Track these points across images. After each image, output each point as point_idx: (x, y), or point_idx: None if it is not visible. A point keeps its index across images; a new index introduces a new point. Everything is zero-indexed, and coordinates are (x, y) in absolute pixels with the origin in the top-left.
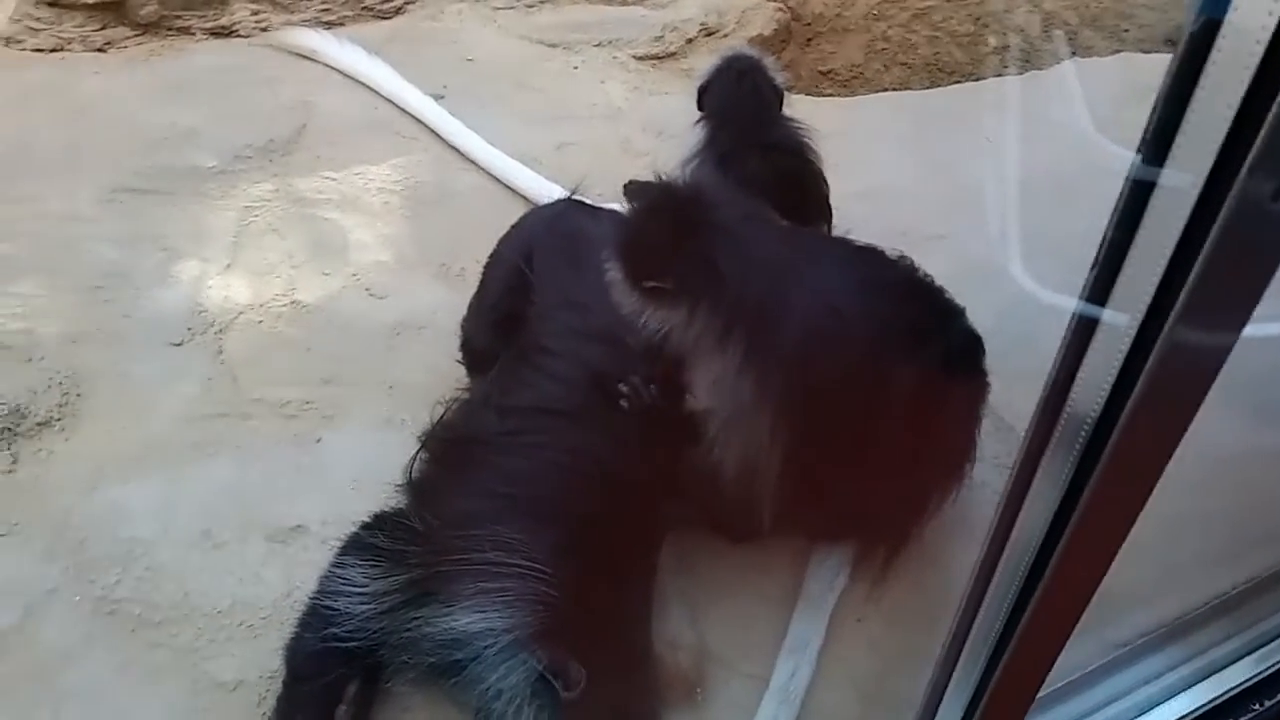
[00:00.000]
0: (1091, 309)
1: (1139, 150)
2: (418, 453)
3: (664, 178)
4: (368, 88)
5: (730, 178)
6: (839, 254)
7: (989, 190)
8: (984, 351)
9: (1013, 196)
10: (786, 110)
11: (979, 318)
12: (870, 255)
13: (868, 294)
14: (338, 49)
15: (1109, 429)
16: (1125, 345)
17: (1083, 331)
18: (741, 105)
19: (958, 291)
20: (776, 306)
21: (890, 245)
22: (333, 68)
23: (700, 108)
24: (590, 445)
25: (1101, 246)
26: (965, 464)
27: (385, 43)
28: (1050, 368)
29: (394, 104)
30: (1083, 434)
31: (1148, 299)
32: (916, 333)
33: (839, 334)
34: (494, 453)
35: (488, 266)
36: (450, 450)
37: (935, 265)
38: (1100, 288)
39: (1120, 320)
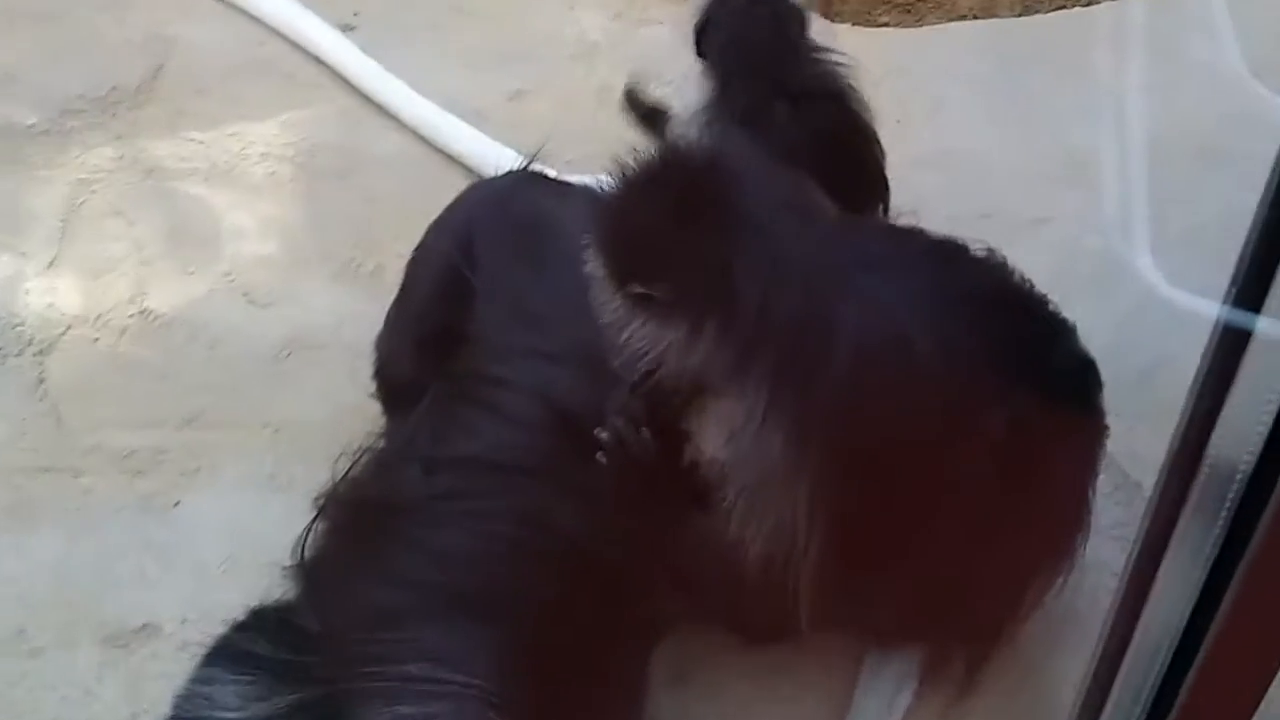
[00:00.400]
0: (1240, 316)
1: None
2: (313, 522)
3: (668, 141)
4: (248, 15)
5: (755, 140)
6: (905, 253)
7: (1106, 156)
8: (1100, 384)
9: (1139, 164)
10: (817, 42)
11: (1094, 334)
12: (948, 253)
13: (943, 309)
14: None
15: (1269, 483)
16: None
17: (1229, 348)
18: (756, 40)
19: (1065, 297)
20: (816, 329)
21: (973, 235)
22: None
23: (700, 52)
24: (554, 513)
25: (1253, 230)
26: (1075, 538)
27: None
28: (1185, 399)
29: (285, 38)
30: (1233, 491)
31: None
32: (1009, 362)
33: (903, 367)
34: (419, 523)
35: (413, 263)
36: (358, 519)
37: (1033, 260)
38: (1252, 285)
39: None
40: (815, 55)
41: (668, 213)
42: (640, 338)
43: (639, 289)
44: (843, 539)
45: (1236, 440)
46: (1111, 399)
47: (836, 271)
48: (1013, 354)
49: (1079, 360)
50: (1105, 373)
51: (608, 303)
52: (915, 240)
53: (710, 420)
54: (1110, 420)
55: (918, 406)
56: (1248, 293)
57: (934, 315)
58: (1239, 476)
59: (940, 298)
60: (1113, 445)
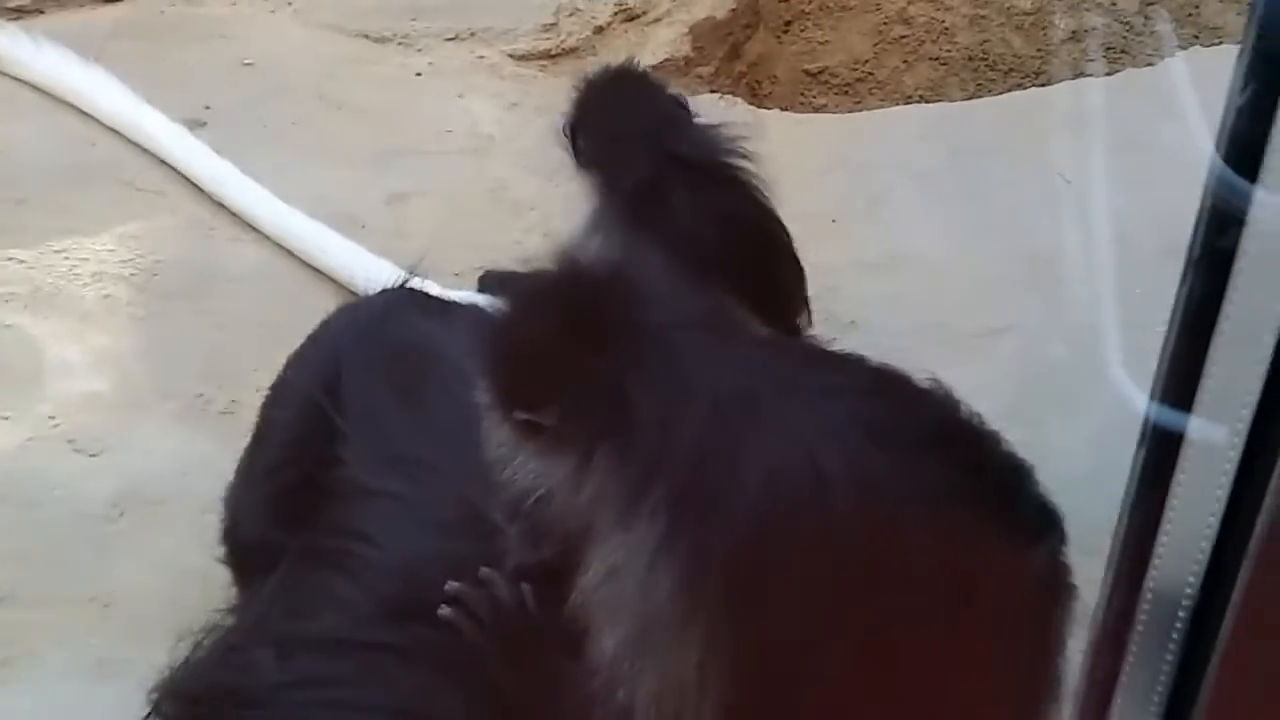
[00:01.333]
0: (1169, 416)
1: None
2: (147, 719)
3: (563, 251)
4: (80, 112)
5: (656, 240)
6: (831, 381)
7: (1069, 256)
8: (1063, 536)
9: (1106, 264)
10: (745, 143)
11: (1064, 459)
12: (883, 382)
13: (872, 446)
14: (30, 51)
15: (1217, 611)
16: (1228, 472)
17: (1158, 453)
18: (634, 125)
19: (1028, 416)
20: (722, 460)
21: (922, 348)
22: (24, 80)
23: (578, 156)
24: (435, 704)
25: (1178, 310)
26: (1038, 713)
27: (109, 40)
28: (1117, 521)
29: (122, 136)
30: (1178, 625)
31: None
32: (950, 510)
33: (822, 511)
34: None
35: (269, 404)
36: (201, 716)
37: (992, 375)
38: (1178, 381)
39: (1216, 434)
40: (700, 128)
41: (560, 331)
42: (526, 472)
43: (525, 415)
44: (742, 708)
45: (1174, 563)
46: (1086, 537)
47: (749, 397)
48: (954, 500)
49: (1035, 508)
50: (1078, 504)
51: (494, 433)
52: (845, 366)
53: (594, 560)
54: (1085, 562)
55: (838, 557)
56: (1172, 389)
57: (861, 453)
58: (1184, 606)
59: (869, 433)
60: (1089, 594)
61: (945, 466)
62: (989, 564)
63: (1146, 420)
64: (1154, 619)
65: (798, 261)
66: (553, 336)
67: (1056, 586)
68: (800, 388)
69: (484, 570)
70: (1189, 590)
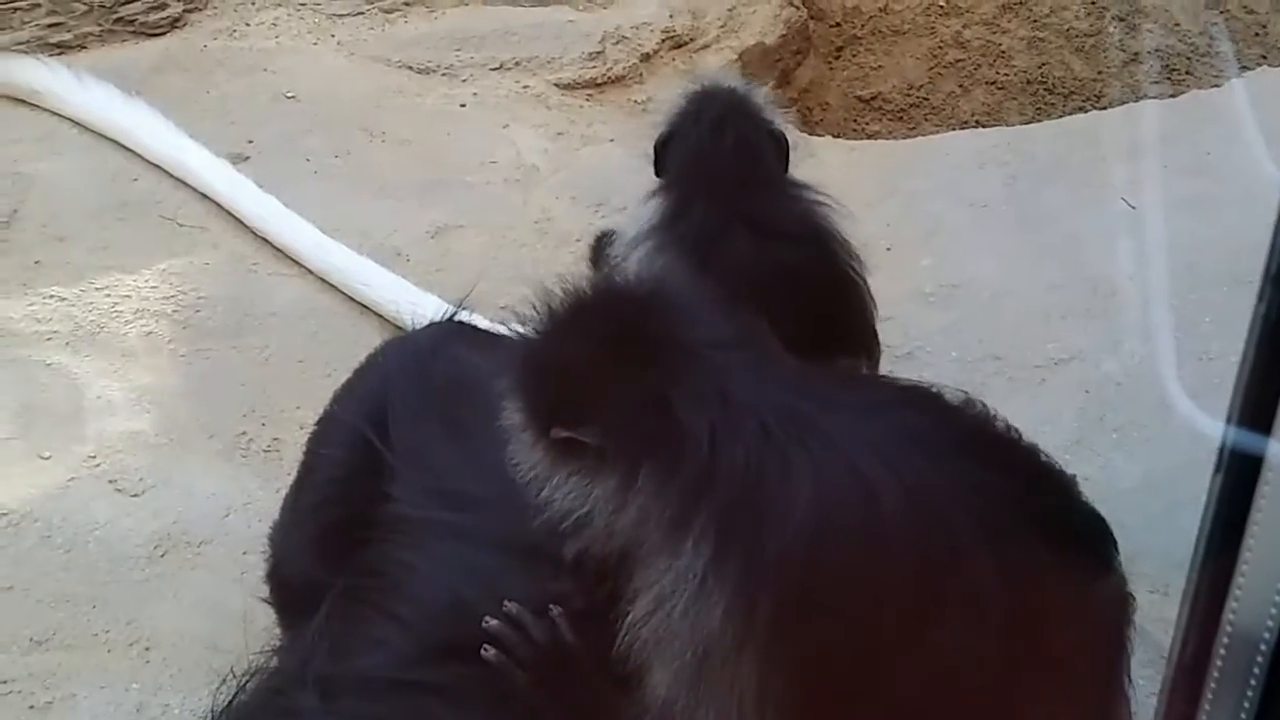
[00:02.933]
0: (1247, 441)
1: None
2: None
3: (601, 270)
4: (122, 147)
5: (707, 275)
6: (870, 398)
7: (1132, 284)
8: (1113, 543)
9: (1171, 293)
10: (795, 168)
11: (1132, 494)
12: (919, 399)
13: (919, 459)
14: (73, 87)
15: None
16: None
17: (1238, 480)
18: (725, 162)
19: (1092, 447)
20: (773, 477)
21: (981, 379)
22: (65, 116)
23: (658, 171)
24: None
25: (1254, 330)
26: None
27: (152, 74)
28: (1194, 548)
29: (164, 171)
30: (1258, 666)
31: None
32: (1001, 522)
33: (876, 526)
34: None
35: (315, 439)
36: None
37: (1053, 406)
38: (1255, 405)
39: None
40: (793, 190)
41: (598, 348)
42: (565, 493)
43: (564, 433)
44: None
45: (1254, 603)
46: (1156, 574)
47: (794, 414)
48: (1007, 510)
49: (1082, 516)
50: (1146, 540)
51: (526, 454)
52: (881, 387)
53: (640, 587)
54: (1155, 600)
55: (894, 574)
56: (1250, 411)
57: (909, 466)
58: (1263, 648)
59: (916, 446)
60: (1151, 621)
61: (993, 476)
62: (1047, 575)
63: (1223, 447)
64: (1233, 657)
65: (869, 319)
66: (592, 353)
67: (1111, 590)
68: (842, 405)
69: (510, 605)
70: (1270, 625)
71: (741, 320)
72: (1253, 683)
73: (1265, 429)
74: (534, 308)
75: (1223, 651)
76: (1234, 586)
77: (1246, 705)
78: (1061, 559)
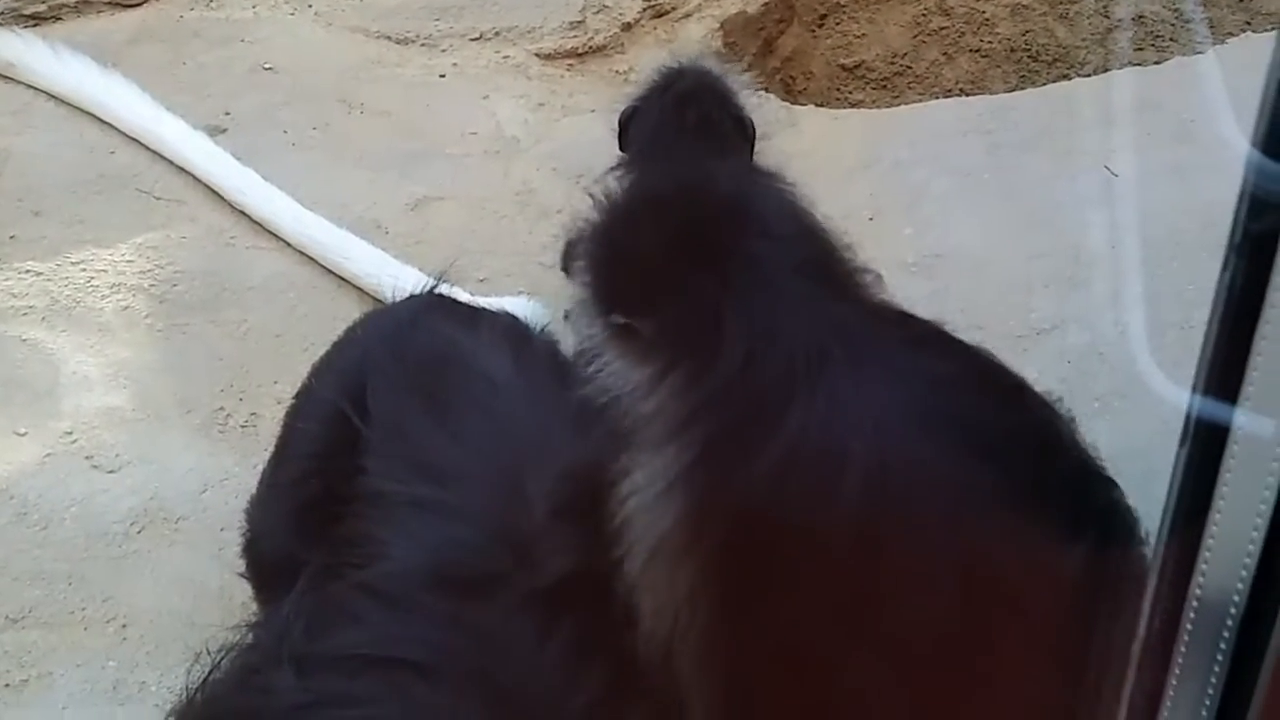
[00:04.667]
0: (1213, 410)
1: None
2: None
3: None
4: (98, 120)
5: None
6: (910, 364)
7: (1116, 253)
8: (1127, 515)
9: (1156, 261)
10: (777, 138)
11: (1113, 462)
12: (976, 368)
13: (941, 435)
14: (48, 59)
15: (1268, 614)
16: (1275, 468)
17: (1205, 450)
18: (678, 149)
19: (1076, 415)
20: (769, 416)
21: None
22: (40, 89)
23: (622, 146)
24: None
25: (1219, 299)
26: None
27: (127, 46)
28: (1159, 524)
29: (142, 145)
30: (1226, 633)
31: None
32: (1021, 508)
33: (837, 492)
34: None
35: (293, 414)
36: None
37: (1037, 374)
38: (1221, 374)
39: (1264, 427)
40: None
41: (673, 244)
42: (609, 372)
43: (622, 319)
44: (721, 646)
45: (1222, 570)
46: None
47: (826, 357)
48: (1027, 498)
49: (1118, 517)
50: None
51: (586, 328)
52: (931, 345)
53: (627, 471)
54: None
55: (836, 532)
56: (1219, 382)
57: (906, 440)
58: (1232, 609)
59: (927, 421)
60: None
61: (1002, 474)
62: (1022, 564)
63: (1189, 417)
64: (1201, 625)
65: None
66: (665, 248)
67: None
68: (874, 360)
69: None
70: (1238, 594)
71: (818, 242)
72: (1221, 651)
73: (1231, 399)
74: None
75: (1191, 619)
76: (1201, 555)
77: (1215, 673)
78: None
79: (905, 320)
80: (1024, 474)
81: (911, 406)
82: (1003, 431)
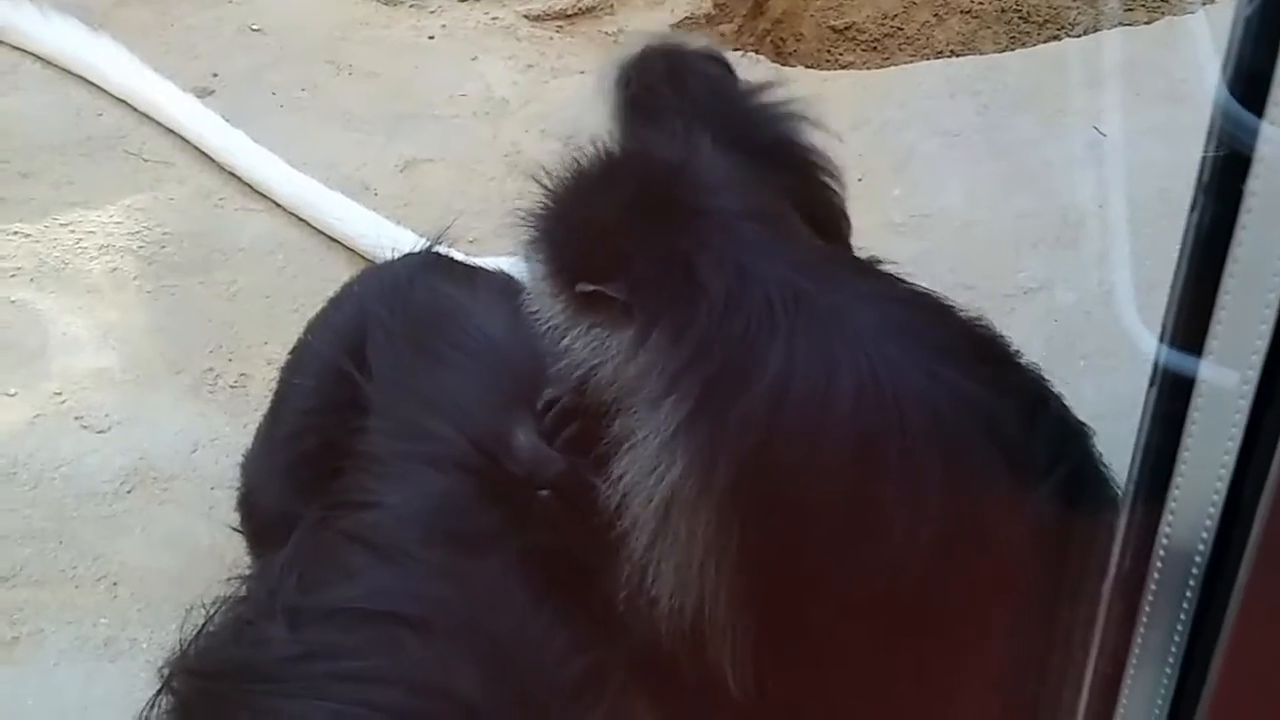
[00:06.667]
0: (1180, 360)
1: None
2: (156, 698)
3: (632, 137)
4: (86, 81)
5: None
6: (877, 292)
7: (1105, 212)
8: (1096, 465)
9: (1144, 220)
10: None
11: (1099, 420)
12: (927, 303)
13: (926, 363)
14: (36, 21)
15: (1230, 568)
16: (1239, 419)
17: (1169, 400)
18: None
19: (1064, 374)
20: (756, 356)
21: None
22: (28, 51)
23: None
24: (449, 673)
25: (1185, 250)
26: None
27: (115, 7)
28: (1129, 469)
29: (130, 106)
30: (1192, 581)
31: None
32: (1005, 449)
33: (840, 418)
34: (279, 694)
35: (289, 368)
36: (210, 693)
37: (1025, 333)
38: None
39: (1227, 379)
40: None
41: (626, 208)
42: (584, 344)
43: (590, 287)
44: (758, 586)
45: (1188, 519)
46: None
47: (800, 294)
48: (971, 416)
49: (1059, 432)
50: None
51: (549, 306)
52: (893, 283)
53: (624, 435)
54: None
55: (836, 460)
56: (1181, 330)
57: (887, 361)
58: (1197, 564)
59: (903, 342)
60: None
61: (970, 381)
62: (998, 481)
63: (1157, 362)
64: (1168, 574)
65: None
66: (623, 212)
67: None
68: (845, 293)
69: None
70: (1204, 541)
71: (764, 197)
72: (1187, 600)
73: (1198, 343)
74: (562, 164)
75: (1158, 568)
76: (1168, 504)
77: (1181, 621)
78: (1024, 469)
79: (855, 259)
80: (994, 388)
81: (888, 326)
82: (973, 347)
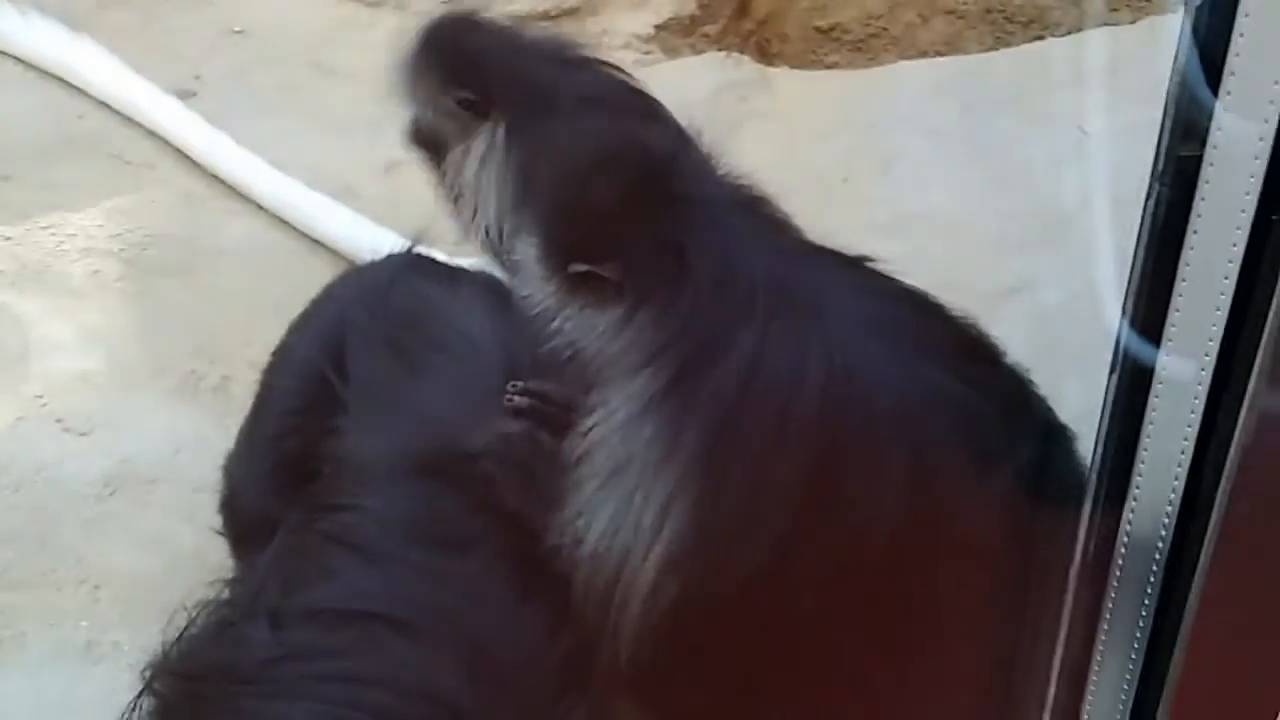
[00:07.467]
0: (1140, 350)
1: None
2: (138, 699)
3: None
4: (67, 84)
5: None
6: (863, 285)
7: (1090, 211)
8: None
9: (1130, 220)
10: (752, 101)
11: (1083, 420)
12: (922, 304)
13: (903, 360)
14: (17, 23)
15: (1191, 556)
16: (1196, 409)
17: (1130, 391)
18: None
19: (1048, 374)
20: (733, 340)
21: None
22: (9, 53)
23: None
24: (430, 674)
25: (1143, 230)
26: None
27: (97, 9)
28: (1090, 462)
29: (110, 109)
30: (1154, 570)
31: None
32: (978, 449)
33: (803, 406)
34: (261, 695)
35: (270, 370)
36: (193, 695)
37: (1009, 334)
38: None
39: (1184, 370)
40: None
41: (620, 194)
42: (574, 324)
43: (583, 267)
44: (693, 559)
45: (1148, 509)
46: None
47: (784, 285)
48: (946, 415)
49: (1039, 432)
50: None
51: (540, 288)
52: (880, 279)
53: (598, 402)
54: None
55: (803, 448)
56: (1140, 322)
57: (860, 354)
58: (1158, 556)
59: (879, 337)
60: None
61: (951, 382)
62: (968, 480)
63: (1116, 349)
64: (1130, 565)
65: None
66: (612, 198)
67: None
68: (833, 286)
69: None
70: (1164, 532)
71: (750, 190)
72: (1149, 589)
73: (1156, 331)
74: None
75: (1121, 558)
76: (1130, 497)
77: (1144, 610)
78: (996, 466)
79: (835, 252)
80: (971, 385)
81: (867, 318)
82: (955, 345)
